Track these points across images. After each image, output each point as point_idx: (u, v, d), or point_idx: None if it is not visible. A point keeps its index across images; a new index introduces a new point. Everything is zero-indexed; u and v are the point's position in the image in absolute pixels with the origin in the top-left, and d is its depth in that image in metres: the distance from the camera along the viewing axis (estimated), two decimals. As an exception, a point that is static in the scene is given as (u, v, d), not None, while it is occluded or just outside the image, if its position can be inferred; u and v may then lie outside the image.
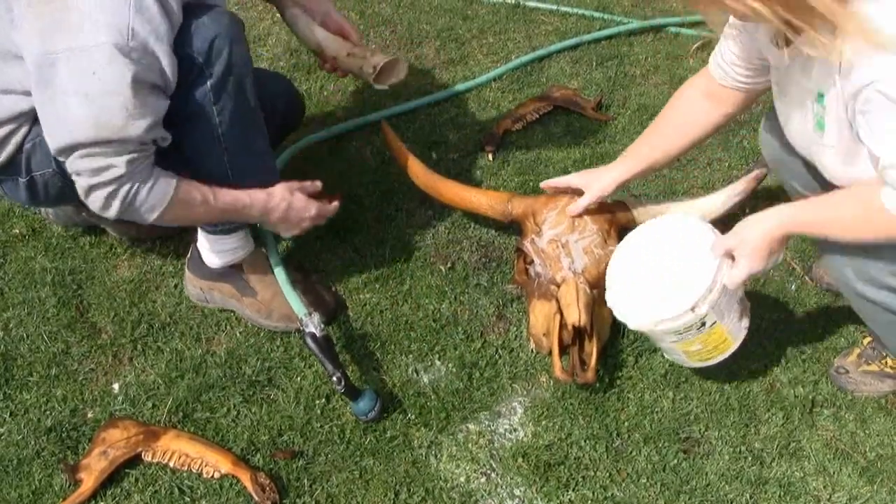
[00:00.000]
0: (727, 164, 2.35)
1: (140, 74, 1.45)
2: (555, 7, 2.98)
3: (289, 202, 1.77)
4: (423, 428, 1.73)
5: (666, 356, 1.77)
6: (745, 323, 1.67)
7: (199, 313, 1.95)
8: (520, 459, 1.68)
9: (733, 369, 1.79)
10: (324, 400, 1.77)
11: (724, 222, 2.06)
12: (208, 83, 1.58)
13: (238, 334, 1.91)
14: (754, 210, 2.14)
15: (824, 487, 1.64)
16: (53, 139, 1.51)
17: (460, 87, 2.60)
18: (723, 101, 1.76)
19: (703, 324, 1.58)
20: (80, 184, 1.54)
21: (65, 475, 1.61)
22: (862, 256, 1.49)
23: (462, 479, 1.66)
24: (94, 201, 1.55)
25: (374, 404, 1.69)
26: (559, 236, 1.84)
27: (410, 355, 1.87)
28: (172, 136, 1.61)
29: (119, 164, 1.50)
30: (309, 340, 1.70)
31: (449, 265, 2.06)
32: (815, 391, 1.79)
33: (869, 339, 1.80)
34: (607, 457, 1.68)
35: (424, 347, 1.88)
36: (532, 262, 1.85)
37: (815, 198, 1.50)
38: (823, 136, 1.52)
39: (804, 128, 1.57)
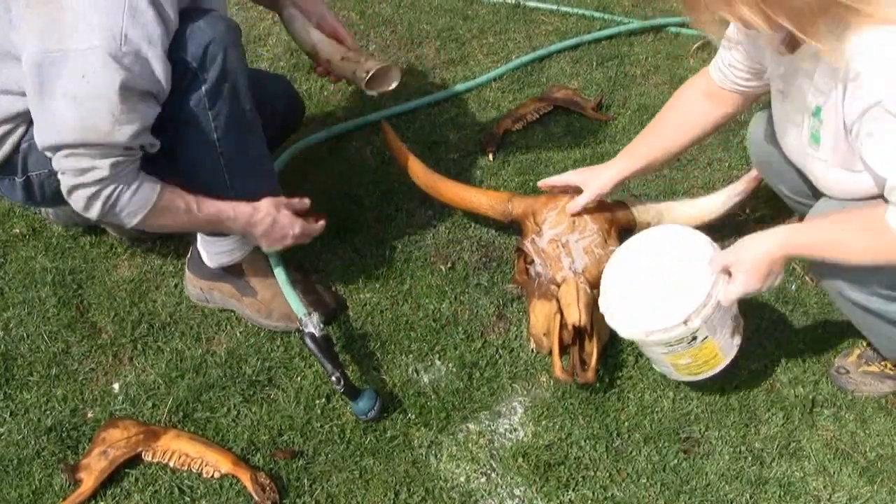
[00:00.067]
0: (727, 164, 2.35)
1: (130, 81, 1.45)
2: (555, 7, 2.98)
3: (274, 217, 1.76)
4: (423, 428, 1.73)
5: (655, 368, 1.76)
6: (738, 340, 1.66)
7: (199, 313, 1.95)
8: (520, 459, 1.68)
9: (733, 369, 1.79)
10: (324, 400, 1.77)
11: (724, 223, 2.07)
12: (203, 88, 1.58)
13: (238, 334, 1.91)
14: (754, 210, 2.17)
15: (824, 487, 1.64)
16: (41, 137, 1.52)
17: (460, 87, 2.60)
18: (722, 101, 1.76)
19: (695, 338, 1.56)
20: (64, 182, 1.55)
21: (65, 475, 1.61)
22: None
23: (462, 478, 1.66)
24: (77, 201, 1.56)
25: (373, 404, 1.69)
26: (559, 236, 1.84)
27: (410, 355, 1.87)
28: (168, 141, 1.62)
29: (103, 167, 1.51)
30: (308, 340, 1.70)
31: (449, 265, 2.06)
32: (815, 391, 1.79)
33: (869, 339, 1.80)
34: (607, 457, 1.68)
35: (424, 347, 1.88)
36: (532, 261, 1.85)
37: (818, 220, 1.49)
38: (818, 149, 1.51)
39: (799, 140, 1.57)
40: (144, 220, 1.60)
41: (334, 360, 1.70)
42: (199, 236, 1.87)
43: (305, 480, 1.64)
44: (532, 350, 1.87)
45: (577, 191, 1.88)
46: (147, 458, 1.65)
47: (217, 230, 1.78)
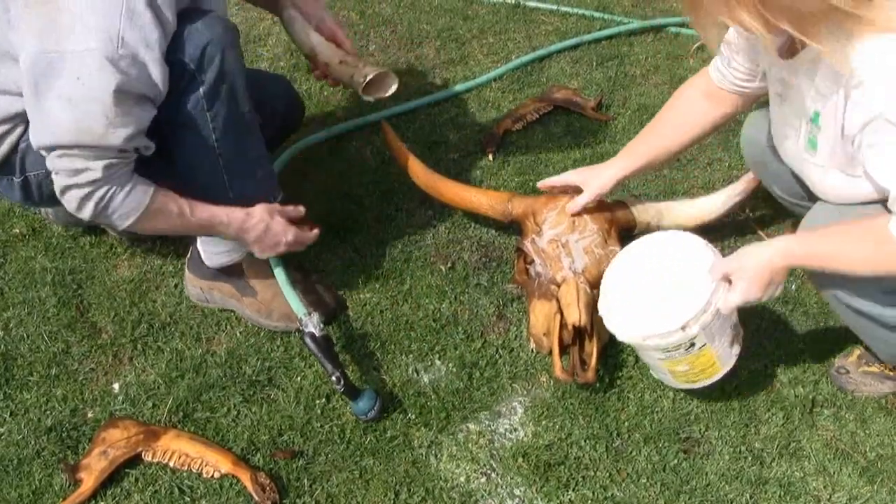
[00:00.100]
0: (727, 164, 2.35)
1: (125, 84, 1.45)
2: (555, 7, 2.98)
3: (267, 224, 1.76)
4: (423, 428, 1.73)
5: (652, 374, 1.76)
6: (737, 350, 1.65)
7: (199, 313, 1.95)
8: (520, 459, 1.68)
9: (733, 369, 1.79)
10: (324, 400, 1.77)
11: (724, 223, 2.07)
12: (201, 90, 1.58)
13: (238, 334, 1.91)
14: (754, 210, 2.17)
15: (824, 487, 1.64)
16: (35, 137, 1.52)
17: (460, 87, 2.60)
18: (722, 101, 1.76)
19: (693, 344, 1.55)
20: (57, 182, 1.55)
21: (65, 475, 1.61)
22: None
23: (462, 478, 1.66)
24: (69, 201, 1.56)
25: (373, 404, 1.69)
26: (559, 236, 1.84)
27: (410, 355, 1.87)
28: (166, 143, 1.61)
29: (96, 169, 1.51)
30: (308, 340, 1.70)
31: (449, 265, 2.06)
32: (815, 391, 1.79)
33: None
34: (607, 457, 1.68)
35: (424, 347, 1.88)
36: (532, 261, 1.85)
37: (820, 230, 1.47)
38: (815, 154, 1.51)
39: (796, 145, 1.57)
40: (136, 223, 1.60)
41: (334, 360, 1.70)
42: (199, 236, 1.87)
43: (305, 480, 1.64)
44: (532, 350, 1.87)
45: (577, 191, 1.88)
46: (147, 458, 1.65)
47: (210, 234, 1.78)
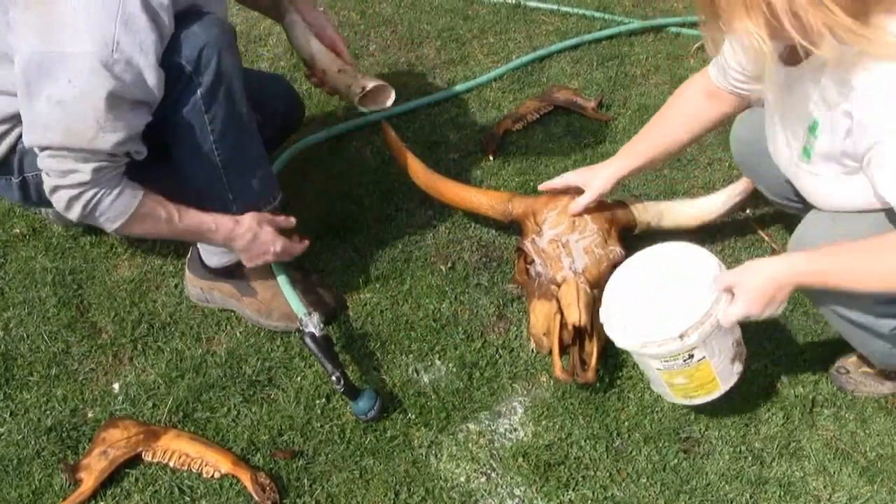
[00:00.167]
0: (727, 164, 2.35)
1: (118, 90, 1.45)
2: (555, 7, 2.98)
3: (255, 233, 1.76)
4: (423, 428, 1.73)
5: (653, 388, 1.74)
6: (738, 368, 1.62)
7: (199, 313, 1.95)
8: (520, 459, 1.68)
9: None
10: (324, 400, 1.77)
11: (724, 223, 2.07)
12: (198, 92, 1.58)
13: (238, 334, 1.91)
14: (754, 210, 2.17)
15: (824, 487, 1.64)
16: (27, 136, 1.52)
17: (460, 87, 2.60)
18: (721, 101, 1.76)
19: (691, 356, 1.53)
20: (47, 182, 1.56)
21: (65, 475, 1.61)
22: None
23: (462, 478, 1.66)
24: (58, 201, 1.57)
25: (373, 404, 1.69)
26: (560, 236, 1.84)
27: (410, 355, 1.87)
28: (165, 146, 1.61)
29: (84, 171, 1.51)
30: (308, 340, 1.70)
31: (449, 265, 2.06)
32: (815, 391, 1.79)
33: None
34: (607, 456, 1.68)
35: (424, 347, 1.88)
36: (532, 261, 1.85)
37: (828, 247, 1.41)
38: (809, 164, 1.51)
39: (789, 151, 1.56)
40: (124, 226, 1.61)
41: (334, 360, 1.70)
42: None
43: (305, 480, 1.64)
44: (532, 350, 1.87)
45: (578, 191, 1.88)
46: (147, 458, 1.65)
47: (197, 241, 1.79)
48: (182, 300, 1.98)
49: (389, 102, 1.89)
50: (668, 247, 1.68)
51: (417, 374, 1.83)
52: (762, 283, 1.42)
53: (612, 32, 2.84)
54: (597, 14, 2.94)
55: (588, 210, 1.86)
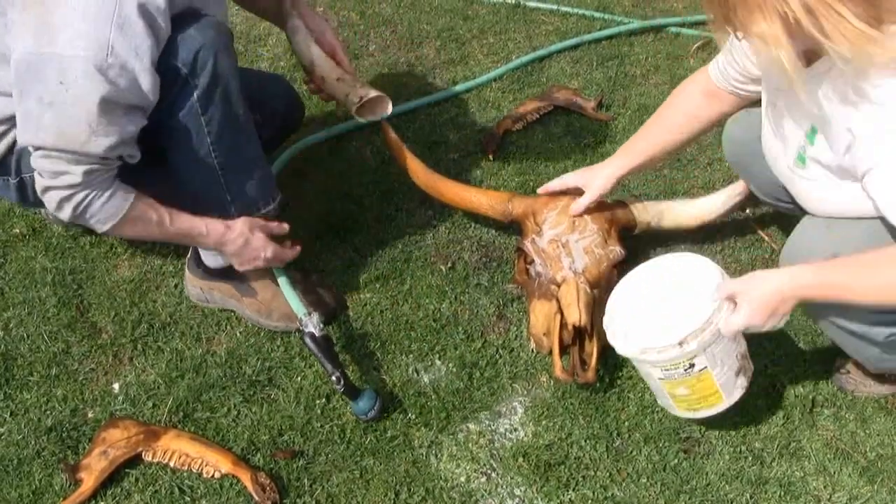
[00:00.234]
0: (727, 164, 2.34)
1: (112, 94, 1.44)
2: (555, 7, 2.98)
3: (246, 238, 1.76)
4: (423, 428, 1.73)
5: (658, 401, 1.73)
6: (742, 382, 1.60)
7: (199, 313, 1.95)
8: (520, 459, 1.68)
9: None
10: (324, 400, 1.77)
11: (724, 223, 2.07)
12: (195, 94, 1.58)
13: (238, 334, 1.91)
14: (754, 210, 2.17)
15: (824, 487, 1.64)
16: (20, 135, 1.53)
17: (460, 87, 2.60)
18: (720, 100, 1.77)
19: (692, 365, 1.52)
20: (39, 182, 1.56)
21: (65, 475, 1.61)
22: None
23: (462, 478, 1.66)
24: (49, 201, 1.57)
25: (373, 404, 1.69)
26: (559, 236, 1.84)
27: (410, 355, 1.87)
28: (162, 148, 1.61)
29: (76, 173, 1.51)
30: (308, 340, 1.70)
31: (449, 265, 2.06)
32: (815, 391, 1.79)
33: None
34: (607, 456, 1.68)
35: (425, 347, 1.88)
36: (532, 261, 1.85)
37: (833, 260, 1.40)
38: (803, 169, 1.50)
39: (785, 156, 1.56)
40: (114, 228, 1.61)
41: (334, 360, 1.70)
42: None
43: (305, 480, 1.64)
44: (532, 350, 1.87)
45: (578, 191, 1.88)
46: (147, 458, 1.65)
47: (188, 244, 1.79)
48: (182, 300, 1.98)
49: (386, 113, 1.92)
50: (672, 258, 1.68)
51: (417, 374, 1.83)
52: (767, 294, 1.40)
53: (611, 32, 2.84)
54: (597, 14, 2.95)
55: (588, 210, 1.86)
